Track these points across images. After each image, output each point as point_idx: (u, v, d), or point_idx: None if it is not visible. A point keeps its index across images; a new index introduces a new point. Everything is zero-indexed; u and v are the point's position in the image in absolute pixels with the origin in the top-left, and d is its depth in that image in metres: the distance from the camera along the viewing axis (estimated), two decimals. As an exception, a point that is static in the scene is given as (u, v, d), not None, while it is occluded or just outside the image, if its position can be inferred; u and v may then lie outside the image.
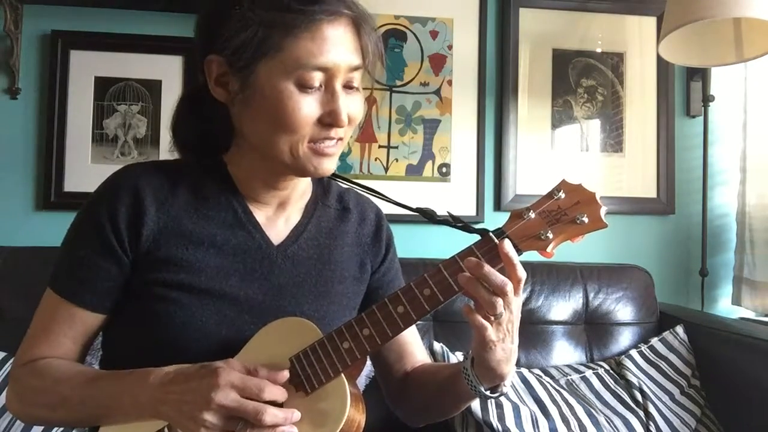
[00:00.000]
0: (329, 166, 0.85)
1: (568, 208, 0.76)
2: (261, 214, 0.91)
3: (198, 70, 0.87)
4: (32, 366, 0.83)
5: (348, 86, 0.83)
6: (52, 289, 0.86)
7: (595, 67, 2.11)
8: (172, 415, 0.73)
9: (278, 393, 0.74)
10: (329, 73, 0.80)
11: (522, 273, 0.74)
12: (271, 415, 0.70)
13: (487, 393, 0.82)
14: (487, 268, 0.73)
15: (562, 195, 0.77)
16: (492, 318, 0.74)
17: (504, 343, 0.76)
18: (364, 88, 0.89)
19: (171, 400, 0.73)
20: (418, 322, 0.96)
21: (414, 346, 1.04)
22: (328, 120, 0.81)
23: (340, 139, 0.85)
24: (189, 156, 0.94)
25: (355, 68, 0.83)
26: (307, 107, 0.80)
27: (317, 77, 0.79)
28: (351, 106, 0.83)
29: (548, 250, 0.75)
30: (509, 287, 0.73)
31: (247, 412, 0.70)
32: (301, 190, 0.95)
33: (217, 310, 0.83)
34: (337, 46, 0.79)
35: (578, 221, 0.75)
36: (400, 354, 1.02)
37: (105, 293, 0.84)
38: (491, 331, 0.74)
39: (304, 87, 0.79)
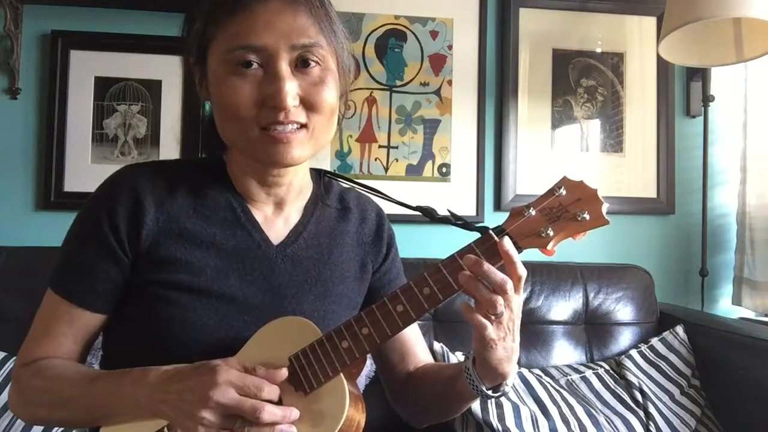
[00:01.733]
0: (289, 153, 0.80)
1: (569, 205, 0.75)
2: (260, 214, 0.91)
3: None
4: (33, 366, 0.83)
5: (302, 68, 0.80)
6: (52, 290, 0.86)
7: (595, 67, 2.11)
8: (170, 413, 0.73)
9: (277, 392, 0.73)
10: (265, 53, 0.78)
11: (522, 271, 0.74)
12: (270, 413, 0.70)
13: (489, 392, 0.81)
14: (487, 266, 0.72)
15: (563, 192, 0.76)
16: (492, 317, 0.74)
17: (505, 341, 0.75)
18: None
19: (169, 398, 0.72)
20: (419, 322, 0.96)
21: (417, 346, 1.03)
22: (271, 102, 0.78)
23: (303, 125, 0.81)
24: (213, 156, 0.95)
25: (303, 47, 0.79)
26: (244, 90, 0.78)
27: (250, 58, 0.78)
28: (308, 90, 0.80)
29: (549, 247, 0.75)
30: (509, 285, 0.72)
31: (245, 410, 0.69)
32: (296, 188, 0.94)
33: (217, 310, 0.83)
34: (269, 25, 0.77)
35: (579, 218, 0.74)
36: (402, 354, 1.02)
37: (105, 293, 0.84)
38: (491, 330, 0.74)
39: (238, 69, 0.78)
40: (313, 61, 0.80)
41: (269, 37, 0.77)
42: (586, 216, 0.74)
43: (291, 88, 0.78)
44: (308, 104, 0.80)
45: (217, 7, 0.80)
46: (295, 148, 0.81)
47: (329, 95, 0.82)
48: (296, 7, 0.80)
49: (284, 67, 0.78)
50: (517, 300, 0.75)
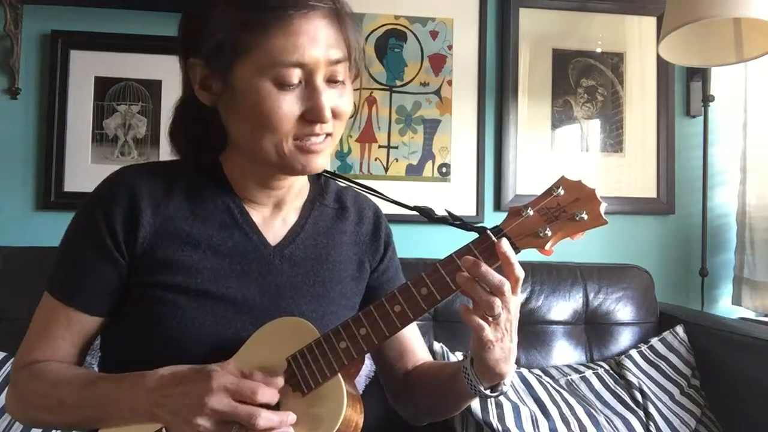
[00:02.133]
0: (318, 162, 0.83)
1: (567, 205, 0.75)
2: (257, 215, 0.91)
3: (183, 74, 0.89)
4: (30, 369, 0.83)
5: (332, 80, 0.81)
6: (49, 292, 0.85)
7: (595, 67, 2.11)
8: (167, 418, 0.73)
9: (273, 396, 0.73)
10: (307, 68, 0.78)
11: (520, 272, 0.74)
12: (265, 419, 0.70)
13: (487, 392, 0.81)
14: (485, 267, 0.72)
15: (561, 192, 0.76)
16: (490, 318, 0.74)
17: (503, 342, 0.75)
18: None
19: (166, 403, 0.72)
20: (418, 322, 0.96)
21: (415, 344, 1.03)
22: (311, 116, 0.79)
23: (329, 134, 0.83)
24: (187, 157, 0.94)
25: (337, 62, 0.80)
26: (287, 105, 0.78)
27: (295, 74, 0.78)
28: (336, 101, 0.82)
29: (547, 247, 0.74)
30: (507, 287, 0.72)
31: (240, 417, 0.69)
32: (296, 189, 0.94)
33: (215, 312, 0.83)
34: (312, 40, 0.77)
35: (577, 218, 0.74)
36: (400, 352, 1.02)
37: (102, 296, 0.84)
38: (489, 331, 0.74)
39: (282, 85, 0.78)
40: (341, 73, 0.82)
41: (313, 54, 0.77)
42: (585, 216, 0.74)
43: (327, 102, 0.79)
44: (335, 114, 0.82)
45: (253, 17, 0.77)
46: (323, 156, 0.84)
47: (350, 105, 0.85)
48: (331, 19, 0.80)
49: (322, 81, 0.80)
50: (515, 301, 0.75)
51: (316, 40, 0.78)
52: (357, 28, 0.85)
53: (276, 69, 0.77)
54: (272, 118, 0.78)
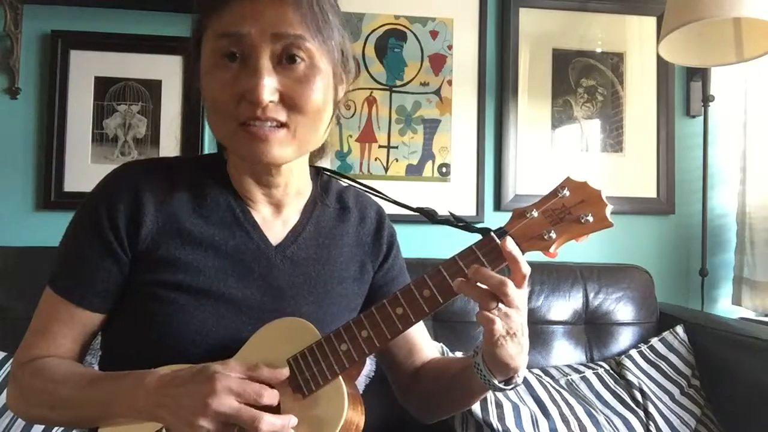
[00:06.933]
0: (266, 151, 0.77)
1: (572, 207, 0.74)
2: (259, 215, 0.90)
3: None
4: (31, 366, 0.83)
5: (289, 62, 0.77)
6: (51, 288, 0.85)
7: (595, 67, 2.11)
8: (168, 418, 0.72)
9: (277, 397, 0.73)
10: (246, 43, 0.75)
11: (526, 269, 0.74)
12: (268, 423, 0.69)
13: (501, 385, 0.81)
14: (484, 270, 0.73)
15: (566, 193, 0.75)
16: (497, 312, 0.73)
17: (515, 337, 0.75)
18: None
19: (167, 403, 0.72)
20: (419, 321, 0.95)
21: (423, 343, 1.03)
22: (248, 97, 0.75)
23: (283, 125, 0.78)
24: (191, 154, 0.94)
25: (287, 36, 0.76)
26: (223, 82, 0.76)
27: (232, 49, 0.76)
28: (290, 86, 0.77)
29: (551, 250, 0.74)
30: (509, 288, 0.72)
31: (243, 420, 0.69)
32: (294, 189, 0.93)
33: (215, 311, 0.82)
34: (255, 15, 0.75)
35: (583, 220, 0.73)
36: (409, 351, 1.02)
37: (104, 292, 0.84)
38: (500, 324, 0.73)
39: (222, 61, 0.77)
40: (299, 57, 0.77)
41: (252, 27, 0.75)
42: (590, 218, 0.73)
43: (269, 83, 0.75)
44: (289, 102, 0.77)
45: (209, 1, 0.79)
46: (274, 146, 0.78)
47: (313, 95, 0.78)
48: (285, 0, 0.76)
49: (265, 60, 0.76)
50: (522, 295, 0.75)
51: (259, 16, 0.75)
52: (328, 15, 0.80)
53: (217, 44, 0.77)
54: (211, 95, 0.78)
